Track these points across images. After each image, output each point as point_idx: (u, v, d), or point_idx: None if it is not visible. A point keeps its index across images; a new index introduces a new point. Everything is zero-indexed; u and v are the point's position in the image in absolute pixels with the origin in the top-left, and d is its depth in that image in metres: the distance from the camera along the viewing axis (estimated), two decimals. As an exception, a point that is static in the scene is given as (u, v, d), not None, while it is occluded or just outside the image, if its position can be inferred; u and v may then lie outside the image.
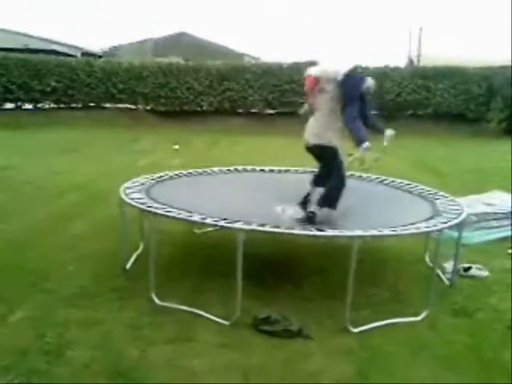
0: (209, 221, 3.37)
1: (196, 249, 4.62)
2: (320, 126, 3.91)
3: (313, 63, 4.12)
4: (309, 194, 4.04)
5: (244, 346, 2.93)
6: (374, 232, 3.28)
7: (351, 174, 4.92)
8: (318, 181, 4.06)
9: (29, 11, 55.28)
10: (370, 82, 3.93)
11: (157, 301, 3.41)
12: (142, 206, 3.61)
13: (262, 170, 5.49)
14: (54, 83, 15.43)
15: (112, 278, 3.85)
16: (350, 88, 3.80)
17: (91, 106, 16.13)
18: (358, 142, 3.77)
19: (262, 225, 3.24)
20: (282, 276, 3.92)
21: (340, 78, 3.78)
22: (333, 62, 3.94)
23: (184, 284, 3.74)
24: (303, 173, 5.42)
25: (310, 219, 3.76)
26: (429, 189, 4.59)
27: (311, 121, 4.00)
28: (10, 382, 2.57)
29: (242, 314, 3.17)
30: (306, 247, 4.46)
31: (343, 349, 2.94)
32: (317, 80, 3.91)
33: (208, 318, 3.22)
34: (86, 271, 3.98)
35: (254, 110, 16.32)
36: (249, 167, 5.53)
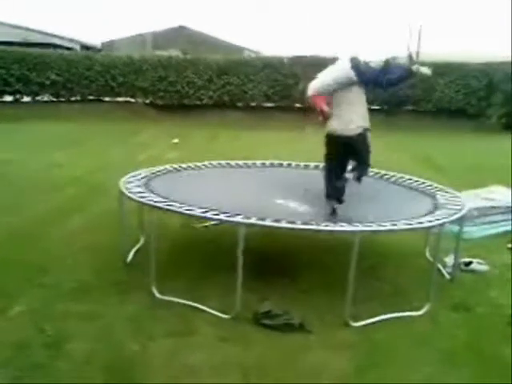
0: (209, 215, 3.35)
1: (196, 243, 4.61)
2: (351, 115, 3.89)
3: (314, 57, 4.12)
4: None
5: (244, 340, 2.93)
6: (375, 227, 3.27)
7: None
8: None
9: (28, 4, 54.95)
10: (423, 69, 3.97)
11: (157, 294, 3.40)
12: (142, 200, 3.58)
13: (263, 164, 5.46)
14: (53, 76, 15.36)
15: (112, 271, 3.84)
16: (369, 76, 3.90)
17: (90, 100, 16.06)
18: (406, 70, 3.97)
19: (263, 219, 3.23)
20: (282, 270, 3.91)
21: (355, 77, 3.81)
22: (327, 70, 3.97)
23: (184, 278, 3.73)
24: (305, 168, 5.41)
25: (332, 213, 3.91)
26: (429, 183, 4.58)
27: (338, 115, 3.93)
28: (10, 375, 2.56)
29: (242, 308, 3.17)
30: (307, 241, 4.45)
31: (344, 343, 2.94)
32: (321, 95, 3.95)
33: (208, 312, 3.22)
34: (86, 265, 3.97)
35: (253, 104, 16.25)
36: (249, 161, 5.50)
